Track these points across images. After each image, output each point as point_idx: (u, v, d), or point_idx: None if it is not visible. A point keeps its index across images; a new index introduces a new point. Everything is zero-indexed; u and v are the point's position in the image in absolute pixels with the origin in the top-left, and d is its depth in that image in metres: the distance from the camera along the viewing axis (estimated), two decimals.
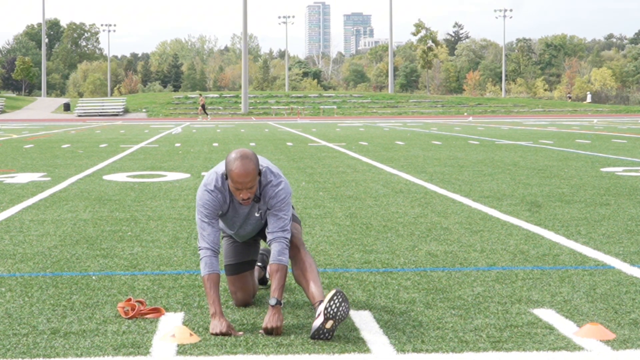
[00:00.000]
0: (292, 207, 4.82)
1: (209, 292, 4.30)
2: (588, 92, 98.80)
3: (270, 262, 4.37)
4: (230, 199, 4.50)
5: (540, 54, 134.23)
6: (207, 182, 4.46)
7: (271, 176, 4.46)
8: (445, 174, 13.10)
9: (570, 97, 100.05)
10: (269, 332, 4.16)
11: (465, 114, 77.24)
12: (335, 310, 4.03)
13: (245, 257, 4.79)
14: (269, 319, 4.18)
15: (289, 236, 4.42)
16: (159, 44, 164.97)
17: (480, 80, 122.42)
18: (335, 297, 4.06)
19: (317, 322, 4.05)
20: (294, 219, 4.72)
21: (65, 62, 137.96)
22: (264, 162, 4.52)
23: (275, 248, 4.37)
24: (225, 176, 4.38)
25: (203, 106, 65.64)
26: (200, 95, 75.84)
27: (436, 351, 3.89)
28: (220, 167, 4.49)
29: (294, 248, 4.49)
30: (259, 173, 4.37)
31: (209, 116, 65.11)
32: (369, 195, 10.15)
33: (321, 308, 4.07)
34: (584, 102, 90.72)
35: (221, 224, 4.70)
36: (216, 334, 4.16)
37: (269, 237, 4.43)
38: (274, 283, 4.30)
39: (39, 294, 5.02)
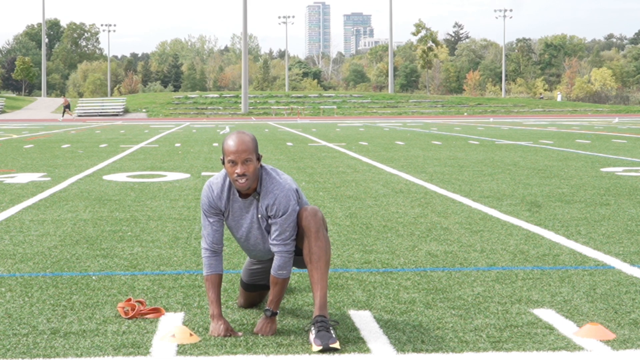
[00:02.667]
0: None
1: (208, 293, 4.31)
2: (558, 92, 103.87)
3: (271, 273, 4.30)
4: (229, 195, 4.34)
5: (540, 54, 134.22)
6: (210, 179, 4.44)
7: (274, 175, 4.28)
8: (445, 174, 13.09)
9: (542, 97, 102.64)
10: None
11: (465, 113, 77.21)
12: (325, 340, 3.96)
13: (259, 281, 4.67)
14: (261, 327, 4.19)
15: (292, 249, 4.27)
16: (159, 44, 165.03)
17: (480, 80, 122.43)
18: (319, 326, 4.01)
19: (311, 336, 4.02)
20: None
21: (65, 62, 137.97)
22: (274, 170, 4.34)
23: (277, 261, 4.26)
24: (223, 161, 4.23)
25: (68, 106, 67.42)
26: (63, 96, 78.41)
27: (436, 351, 3.89)
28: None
29: (309, 231, 4.22)
30: (258, 159, 4.20)
31: (73, 114, 66.43)
32: (369, 195, 10.15)
33: (311, 338, 4.03)
34: (557, 102, 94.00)
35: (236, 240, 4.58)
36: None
37: (271, 247, 4.30)
38: (271, 294, 4.28)
39: (39, 294, 5.02)
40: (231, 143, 4.16)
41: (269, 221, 4.29)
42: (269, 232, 4.36)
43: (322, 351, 3.90)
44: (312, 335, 4.01)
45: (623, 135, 28.71)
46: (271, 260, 4.52)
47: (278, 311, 4.31)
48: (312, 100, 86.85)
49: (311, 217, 4.24)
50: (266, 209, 4.27)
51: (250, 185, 4.21)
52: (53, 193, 10.58)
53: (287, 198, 4.23)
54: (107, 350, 3.90)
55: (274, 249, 4.28)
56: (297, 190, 4.32)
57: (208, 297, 4.31)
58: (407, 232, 7.30)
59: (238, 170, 4.14)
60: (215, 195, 4.34)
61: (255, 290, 4.69)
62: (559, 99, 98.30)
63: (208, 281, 4.32)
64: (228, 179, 4.35)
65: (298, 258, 4.44)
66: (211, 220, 4.37)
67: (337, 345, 3.91)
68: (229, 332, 4.16)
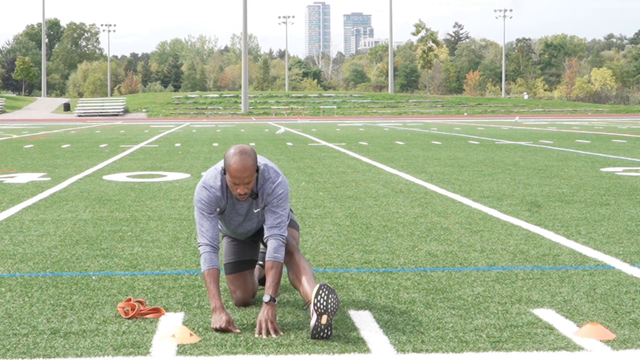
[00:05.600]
0: (291, 211, 4.82)
1: (209, 287, 4.34)
2: (525, 92, 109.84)
3: (266, 259, 4.39)
4: (228, 195, 4.49)
5: (540, 54, 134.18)
6: (206, 179, 4.49)
7: (269, 173, 4.48)
8: (445, 174, 13.09)
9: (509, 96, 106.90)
10: (262, 329, 4.16)
11: (465, 113, 77.18)
12: (324, 303, 4.03)
13: (244, 255, 4.80)
14: (262, 315, 4.21)
15: (285, 233, 4.45)
16: (159, 44, 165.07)
17: (480, 80, 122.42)
18: (320, 291, 4.07)
19: (312, 321, 4.05)
20: (292, 223, 4.74)
21: (65, 62, 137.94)
22: (262, 160, 4.53)
23: (271, 245, 4.40)
24: (224, 171, 4.39)
25: None
26: None
27: (436, 351, 3.89)
28: (220, 164, 4.51)
29: (288, 254, 4.49)
30: (257, 170, 4.39)
31: None
32: (369, 195, 10.15)
33: (312, 306, 4.08)
34: (524, 99, 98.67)
35: (220, 222, 4.70)
36: (216, 329, 4.18)
37: (265, 233, 4.44)
38: (268, 280, 4.35)
39: (39, 294, 5.01)
40: (235, 167, 4.31)
41: (265, 208, 4.49)
42: (259, 222, 4.65)
43: (322, 333, 3.99)
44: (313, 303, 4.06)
45: (623, 135, 28.72)
46: (250, 238, 4.81)
47: (277, 298, 4.37)
48: (312, 100, 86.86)
49: (289, 242, 4.53)
50: (263, 199, 4.48)
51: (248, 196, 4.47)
52: (53, 193, 10.57)
53: (283, 187, 4.48)
54: (107, 350, 3.90)
55: (268, 232, 4.43)
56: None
57: (209, 292, 4.34)
58: (407, 232, 7.30)
59: (239, 190, 4.37)
60: (219, 196, 4.46)
61: (245, 268, 4.76)
62: (525, 97, 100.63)
63: (209, 276, 4.36)
64: (224, 179, 4.47)
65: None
66: (210, 216, 4.47)
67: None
68: (231, 324, 4.18)
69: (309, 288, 4.32)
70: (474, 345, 3.97)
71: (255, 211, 4.56)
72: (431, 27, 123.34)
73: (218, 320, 4.20)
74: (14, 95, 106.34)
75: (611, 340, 4.04)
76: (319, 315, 4.02)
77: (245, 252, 4.82)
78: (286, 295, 5.03)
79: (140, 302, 4.59)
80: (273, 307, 4.25)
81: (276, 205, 4.45)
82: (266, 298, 4.26)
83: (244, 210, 4.56)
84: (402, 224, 7.78)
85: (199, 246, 4.45)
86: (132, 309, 4.49)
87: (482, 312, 4.57)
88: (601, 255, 6.16)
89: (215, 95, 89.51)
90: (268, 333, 4.14)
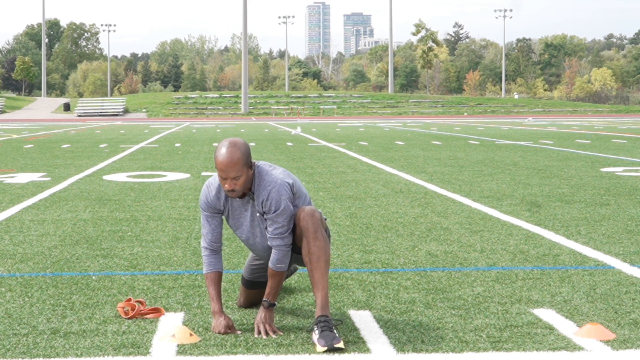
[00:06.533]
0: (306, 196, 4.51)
1: (209, 290, 4.37)
2: (515, 93, 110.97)
3: (269, 265, 4.34)
4: (226, 195, 4.36)
5: (540, 54, 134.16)
6: (209, 179, 4.46)
7: (263, 177, 4.27)
8: (445, 174, 13.09)
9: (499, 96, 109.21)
10: (260, 331, 4.16)
11: (465, 113, 77.19)
12: (330, 343, 3.96)
13: (260, 277, 4.69)
14: (259, 318, 4.21)
15: (290, 242, 4.29)
16: (159, 44, 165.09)
17: (480, 80, 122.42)
18: (321, 337, 3.97)
19: (316, 342, 4.00)
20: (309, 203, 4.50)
21: (65, 62, 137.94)
22: (267, 163, 4.37)
23: (274, 255, 4.29)
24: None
25: None
26: None
27: (436, 351, 3.89)
28: None
29: (305, 230, 4.23)
30: (250, 167, 4.20)
31: None
32: (369, 195, 10.15)
33: (314, 338, 4.02)
34: (514, 98, 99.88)
35: (237, 233, 4.56)
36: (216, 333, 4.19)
37: (269, 241, 4.33)
38: (269, 286, 4.32)
39: (39, 294, 5.01)
40: (221, 159, 4.14)
41: (265, 217, 4.31)
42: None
43: (326, 351, 3.90)
44: (315, 336, 4.01)
45: (623, 135, 28.72)
46: None
47: (276, 303, 4.33)
48: (312, 100, 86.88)
49: (309, 218, 4.24)
50: (261, 205, 4.29)
51: (239, 195, 4.26)
52: (53, 193, 10.57)
53: (279, 193, 4.23)
54: (107, 350, 3.90)
55: (271, 242, 4.31)
56: (290, 185, 4.28)
57: (209, 294, 4.36)
58: (407, 232, 7.30)
59: (227, 186, 4.19)
60: (213, 196, 4.38)
61: (256, 288, 4.70)
62: (515, 97, 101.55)
63: (208, 279, 4.38)
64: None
65: (299, 257, 4.45)
66: (209, 219, 4.42)
67: (341, 344, 3.91)
68: (229, 328, 4.19)
69: (319, 298, 4.15)
70: (474, 345, 3.97)
71: (257, 214, 4.34)
72: (431, 27, 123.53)
73: (217, 325, 4.21)
74: (14, 95, 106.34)
75: (611, 340, 4.04)
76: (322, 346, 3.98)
77: (263, 274, 4.66)
78: (286, 295, 5.03)
79: (140, 302, 4.59)
80: (271, 311, 4.25)
81: (275, 213, 4.24)
82: (265, 304, 4.25)
83: (248, 213, 4.37)
84: (402, 224, 7.78)
85: (201, 248, 4.47)
86: (132, 309, 4.50)
87: (482, 312, 4.57)
88: (601, 255, 6.16)
89: (215, 95, 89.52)
90: (267, 334, 4.15)
